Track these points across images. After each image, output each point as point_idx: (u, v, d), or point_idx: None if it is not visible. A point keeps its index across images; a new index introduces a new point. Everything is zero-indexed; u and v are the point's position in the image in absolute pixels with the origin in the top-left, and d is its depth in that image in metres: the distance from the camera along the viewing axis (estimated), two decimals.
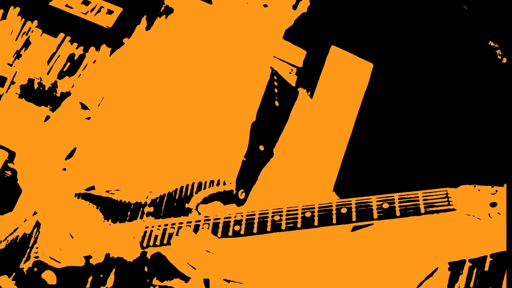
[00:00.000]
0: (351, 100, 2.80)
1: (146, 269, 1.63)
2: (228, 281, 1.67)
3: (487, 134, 2.70)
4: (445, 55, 2.80)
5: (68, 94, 2.31)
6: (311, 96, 2.77)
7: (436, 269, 2.30)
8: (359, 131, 2.75)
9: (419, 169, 2.68)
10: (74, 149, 1.88)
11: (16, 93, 2.69)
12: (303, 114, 1.95)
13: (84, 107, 1.90)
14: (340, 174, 2.64)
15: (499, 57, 2.37)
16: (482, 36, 2.72)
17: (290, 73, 2.81)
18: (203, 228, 1.61)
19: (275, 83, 1.92)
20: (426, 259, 2.23)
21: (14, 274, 1.68)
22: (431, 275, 2.27)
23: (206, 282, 1.65)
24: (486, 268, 2.32)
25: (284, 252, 1.72)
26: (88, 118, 1.89)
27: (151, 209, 1.70)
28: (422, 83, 2.80)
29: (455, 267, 2.35)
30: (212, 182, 1.69)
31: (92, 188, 1.81)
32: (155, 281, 1.63)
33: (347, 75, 2.83)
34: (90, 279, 1.64)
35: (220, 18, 1.86)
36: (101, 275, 1.64)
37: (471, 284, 2.34)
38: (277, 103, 1.89)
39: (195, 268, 1.57)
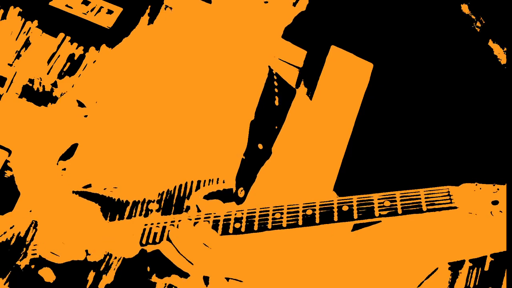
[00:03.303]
0: (351, 100, 2.80)
1: (148, 269, 1.62)
2: (228, 279, 1.66)
3: (488, 133, 2.70)
4: (445, 55, 2.80)
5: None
6: (311, 95, 2.77)
7: (436, 269, 2.30)
8: (359, 131, 2.75)
9: (419, 168, 2.68)
10: (72, 147, 1.87)
11: (16, 93, 2.68)
12: (301, 113, 1.94)
13: (81, 104, 1.89)
14: (340, 173, 2.64)
15: (475, 25, 2.36)
16: (482, 35, 2.72)
17: (290, 72, 2.81)
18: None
19: (274, 82, 1.92)
20: (426, 259, 2.22)
21: (9, 272, 1.67)
22: (431, 275, 2.27)
23: (206, 279, 1.65)
24: (486, 268, 2.32)
25: (285, 250, 1.72)
26: (85, 116, 1.88)
27: (150, 207, 1.70)
28: (422, 83, 2.80)
29: (455, 267, 2.35)
30: (211, 180, 1.69)
31: (89, 186, 1.80)
32: (154, 278, 1.62)
33: (347, 75, 2.83)
34: (91, 275, 1.63)
35: (219, 17, 1.85)
36: (101, 273, 1.63)
37: (471, 284, 2.33)
38: (277, 103, 1.89)
39: (192, 264, 1.56)
